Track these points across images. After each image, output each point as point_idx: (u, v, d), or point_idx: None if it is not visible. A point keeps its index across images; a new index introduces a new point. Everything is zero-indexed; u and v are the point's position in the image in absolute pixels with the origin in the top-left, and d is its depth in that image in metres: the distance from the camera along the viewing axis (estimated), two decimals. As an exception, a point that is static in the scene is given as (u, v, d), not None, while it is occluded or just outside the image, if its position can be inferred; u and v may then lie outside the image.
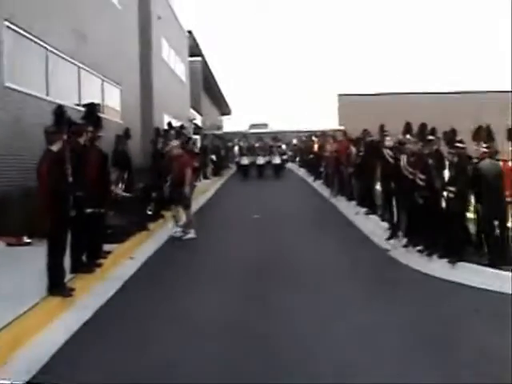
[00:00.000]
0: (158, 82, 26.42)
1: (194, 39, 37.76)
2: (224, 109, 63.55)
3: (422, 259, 10.04)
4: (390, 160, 12.30)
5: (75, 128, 8.45)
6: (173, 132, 18.03)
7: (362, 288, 8.51)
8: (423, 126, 11.04)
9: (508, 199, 9.18)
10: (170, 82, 30.38)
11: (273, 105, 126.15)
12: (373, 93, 46.97)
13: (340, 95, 47.96)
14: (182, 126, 21.19)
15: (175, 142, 13.60)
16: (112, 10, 19.17)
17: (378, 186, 14.20)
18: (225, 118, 67.41)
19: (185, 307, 7.56)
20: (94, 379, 5.34)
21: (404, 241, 11.24)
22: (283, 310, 7.39)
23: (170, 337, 6.45)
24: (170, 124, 19.73)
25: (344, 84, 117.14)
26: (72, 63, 15.24)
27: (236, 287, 8.64)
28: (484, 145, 9.64)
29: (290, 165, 33.30)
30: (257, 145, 29.05)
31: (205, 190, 22.72)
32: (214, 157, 30.77)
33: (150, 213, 13.27)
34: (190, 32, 36.86)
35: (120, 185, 12.03)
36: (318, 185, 24.06)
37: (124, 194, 12.17)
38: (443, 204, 9.72)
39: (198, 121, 41.06)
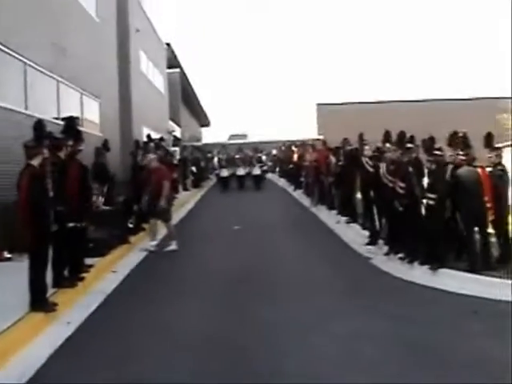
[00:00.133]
0: (136, 94, 26.38)
1: (172, 51, 37.76)
2: (203, 120, 63.51)
3: (404, 266, 10.14)
4: (370, 169, 12.42)
5: (55, 142, 8.42)
6: (152, 144, 18.03)
7: (343, 297, 8.57)
8: (402, 134, 11.15)
9: (488, 205, 9.30)
10: (149, 94, 30.34)
11: (252, 115, 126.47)
12: (351, 102, 47.21)
13: (319, 105, 48.09)
14: (161, 139, 21.19)
15: (152, 155, 13.59)
16: (90, 23, 19.13)
17: (359, 195, 14.28)
18: (204, 129, 67.46)
19: (165, 320, 7.55)
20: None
21: (385, 249, 11.33)
22: (263, 321, 7.38)
23: (152, 350, 6.43)
24: (149, 136, 19.72)
25: (322, 94, 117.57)
26: (51, 77, 15.16)
27: (217, 299, 8.63)
28: (461, 152, 9.78)
29: (270, 175, 33.31)
30: (237, 156, 28.92)
31: (184, 202, 22.68)
32: (194, 168, 30.70)
33: (131, 226, 13.24)
34: (168, 44, 36.88)
35: (100, 198, 11.99)
36: (299, 194, 24.10)
37: (104, 207, 12.15)
38: (423, 211, 9.84)
39: (177, 132, 41.00)
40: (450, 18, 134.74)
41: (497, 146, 10.46)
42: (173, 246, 12.53)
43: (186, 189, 27.57)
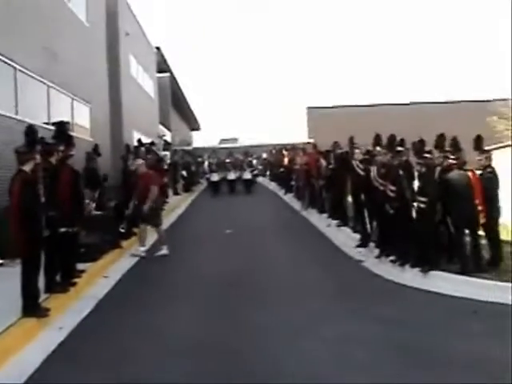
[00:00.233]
0: (126, 98, 26.35)
1: (161, 55, 37.75)
2: (193, 124, 63.45)
3: (395, 269, 10.19)
4: (361, 172, 12.48)
5: (47, 148, 8.42)
6: (143, 149, 18.04)
7: (335, 299, 8.61)
8: (392, 137, 11.21)
9: (479, 208, 9.36)
10: (139, 98, 30.31)
11: (242, 119, 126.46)
12: (341, 105, 47.31)
13: (309, 108, 48.16)
14: (151, 143, 21.22)
15: (140, 161, 13.60)
16: (80, 27, 19.09)
17: (350, 198, 14.34)
18: (194, 133, 67.39)
19: (157, 324, 7.57)
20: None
21: (376, 251, 11.38)
22: (254, 325, 7.41)
23: (144, 354, 6.44)
24: (139, 141, 19.72)
25: (312, 97, 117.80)
26: (41, 82, 15.14)
27: (208, 303, 8.66)
28: (452, 156, 9.87)
29: (260, 179, 33.30)
30: (227, 160, 28.87)
31: (175, 207, 22.64)
32: (184, 173, 30.61)
33: (122, 230, 13.23)
34: (157, 48, 36.86)
35: (92, 203, 11.98)
36: (289, 198, 24.13)
37: (96, 212, 12.14)
38: (414, 214, 9.90)
39: (168, 137, 40.95)
40: (440, 22, 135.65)
41: (486, 148, 10.55)
42: (164, 251, 12.53)
43: (176, 193, 27.50)
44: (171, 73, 41.43)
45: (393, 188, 10.36)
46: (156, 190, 12.54)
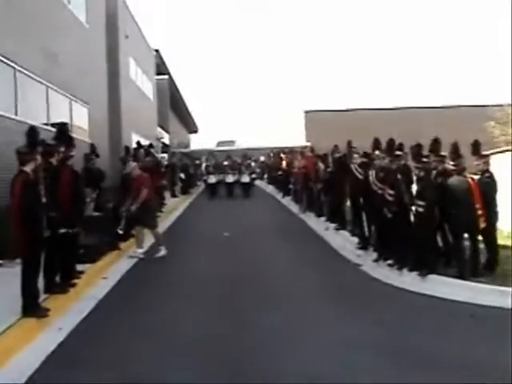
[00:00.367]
0: (125, 100, 26.37)
1: (160, 57, 37.80)
2: (191, 127, 63.50)
3: (393, 273, 10.23)
4: (359, 176, 12.51)
5: (47, 148, 8.45)
6: (142, 151, 18.08)
7: (335, 303, 8.65)
8: (391, 141, 11.26)
9: (479, 212, 9.41)
10: (138, 100, 30.33)
11: (240, 122, 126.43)
12: (339, 109, 47.33)
13: (306, 112, 48.15)
14: (150, 145, 21.24)
15: (133, 164, 13.65)
16: (80, 28, 19.12)
17: (348, 202, 14.37)
18: (192, 135, 67.43)
19: (156, 325, 7.60)
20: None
21: (374, 255, 11.41)
22: (252, 328, 7.44)
23: (144, 354, 6.47)
24: (138, 143, 19.77)
25: (310, 101, 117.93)
26: (41, 83, 15.15)
27: (207, 305, 8.68)
28: (451, 162, 9.93)
29: (257, 182, 33.27)
30: (225, 163, 28.79)
31: (173, 209, 22.64)
32: (182, 175, 30.57)
33: (120, 232, 13.23)
34: (156, 50, 36.90)
35: (91, 204, 12.01)
36: (287, 201, 24.17)
37: (95, 213, 12.15)
38: (412, 218, 9.94)
39: (166, 139, 40.97)
40: (438, 27, 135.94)
41: (484, 153, 10.60)
42: (162, 252, 12.58)
43: (174, 195, 27.50)
44: (170, 75, 41.46)
45: (391, 192, 10.40)
46: (145, 193, 12.55)
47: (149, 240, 13.21)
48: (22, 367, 6.01)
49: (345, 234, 14.40)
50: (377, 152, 11.77)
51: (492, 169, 10.07)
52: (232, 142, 46.73)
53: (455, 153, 10.03)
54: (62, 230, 8.54)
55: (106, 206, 13.36)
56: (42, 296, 7.95)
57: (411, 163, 10.60)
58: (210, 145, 46.85)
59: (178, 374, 5.84)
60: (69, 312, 8.10)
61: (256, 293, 9.31)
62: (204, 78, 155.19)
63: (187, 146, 55.69)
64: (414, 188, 10.11)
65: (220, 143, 46.54)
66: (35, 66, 14.57)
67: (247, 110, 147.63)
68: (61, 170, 8.91)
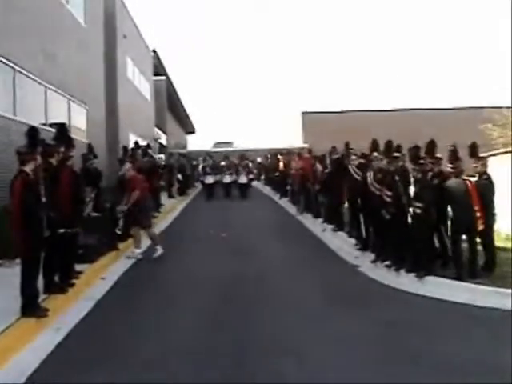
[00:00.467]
0: (123, 101, 26.39)
1: (158, 58, 37.82)
2: (188, 127, 63.46)
3: (390, 274, 10.26)
4: (357, 177, 12.55)
5: (47, 149, 8.46)
6: (140, 151, 18.09)
7: (333, 303, 8.67)
8: (389, 143, 11.31)
9: (478, 214, 9.45)
10: (135, 100, 30.35)
11: (237, 123, 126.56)
12: (336, 110, 47.35)
13: (304, 113, 48.13)
14: (148, 145, 21.24)
15: (127, 165, 13.66)
16: (78, 29, 19.14)
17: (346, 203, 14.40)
18: (189, 136, 67.41)
19: (154, 325, 7.62)
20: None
21: (372, 256, 11.44)
22: (253, 326, 7.48)
23: (142, 354, 6.49)
24: (136, 143, 19.78)
25: (307, 102, 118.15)
26: (39, 83, 15.16)
27: (206, 304, 8.70)
28: (450, 165, 9.97)
29: (254, 183, 33.23)
30: (223, 163, 28.69)
31: (170, 210, 22.61)
32: (180, 176, 30.44)
33: (119, 232, 13.24)
34: (154, 51, 36.92)
35: (90, 204, 12.02)
36: (284, 202, 24.18)
37: (93, 213, 12.16)
38: (410, 220, 9.97)
39: (163, 139, 40.97)
40: (435, 28, 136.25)
41: (482, 155, 10.65)
42: (159, 252, 12.61)
43: (171, 196, 27.42)
44: (167, 76, 41.48)
45: (389, 193, 10.44)
46: (136, 194, 12.56)
47: (147, 240, 13.21)
48: (21, 367, 6.02)
49: (342, 235, 14.43)
50: (375, 153, 11.82)
51: (490, 171, 10.12)
52: (229, 143, 46.73)
53: (454, 156, 10.07)
54: (62, 230, 8.54)
55: (104, 206, 13.37)
56: (41, 296, 7.95)
57: (409, 165, 10.64)
58: (208, 146, 46.90)
59: (176, 374, 5.86)
60: (68, 312, 8.10)
61: (253, 293, 9.32)
62: (201, 78, 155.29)
63: (184, 146, 55.65)
64: (412, 190, 10.16)
65: (217, 144, 46.54)
66: (34, 66, 14.58)
67: (244, 111, 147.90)
68: (60, 170, 8.92)
